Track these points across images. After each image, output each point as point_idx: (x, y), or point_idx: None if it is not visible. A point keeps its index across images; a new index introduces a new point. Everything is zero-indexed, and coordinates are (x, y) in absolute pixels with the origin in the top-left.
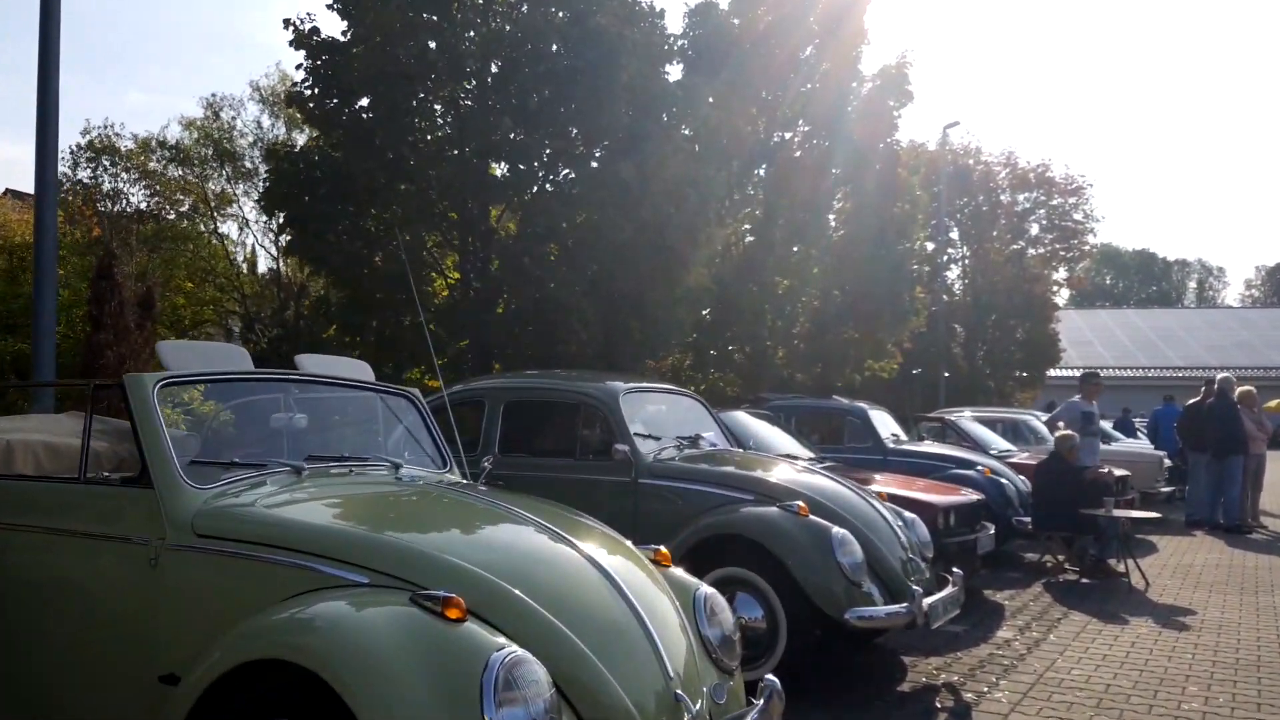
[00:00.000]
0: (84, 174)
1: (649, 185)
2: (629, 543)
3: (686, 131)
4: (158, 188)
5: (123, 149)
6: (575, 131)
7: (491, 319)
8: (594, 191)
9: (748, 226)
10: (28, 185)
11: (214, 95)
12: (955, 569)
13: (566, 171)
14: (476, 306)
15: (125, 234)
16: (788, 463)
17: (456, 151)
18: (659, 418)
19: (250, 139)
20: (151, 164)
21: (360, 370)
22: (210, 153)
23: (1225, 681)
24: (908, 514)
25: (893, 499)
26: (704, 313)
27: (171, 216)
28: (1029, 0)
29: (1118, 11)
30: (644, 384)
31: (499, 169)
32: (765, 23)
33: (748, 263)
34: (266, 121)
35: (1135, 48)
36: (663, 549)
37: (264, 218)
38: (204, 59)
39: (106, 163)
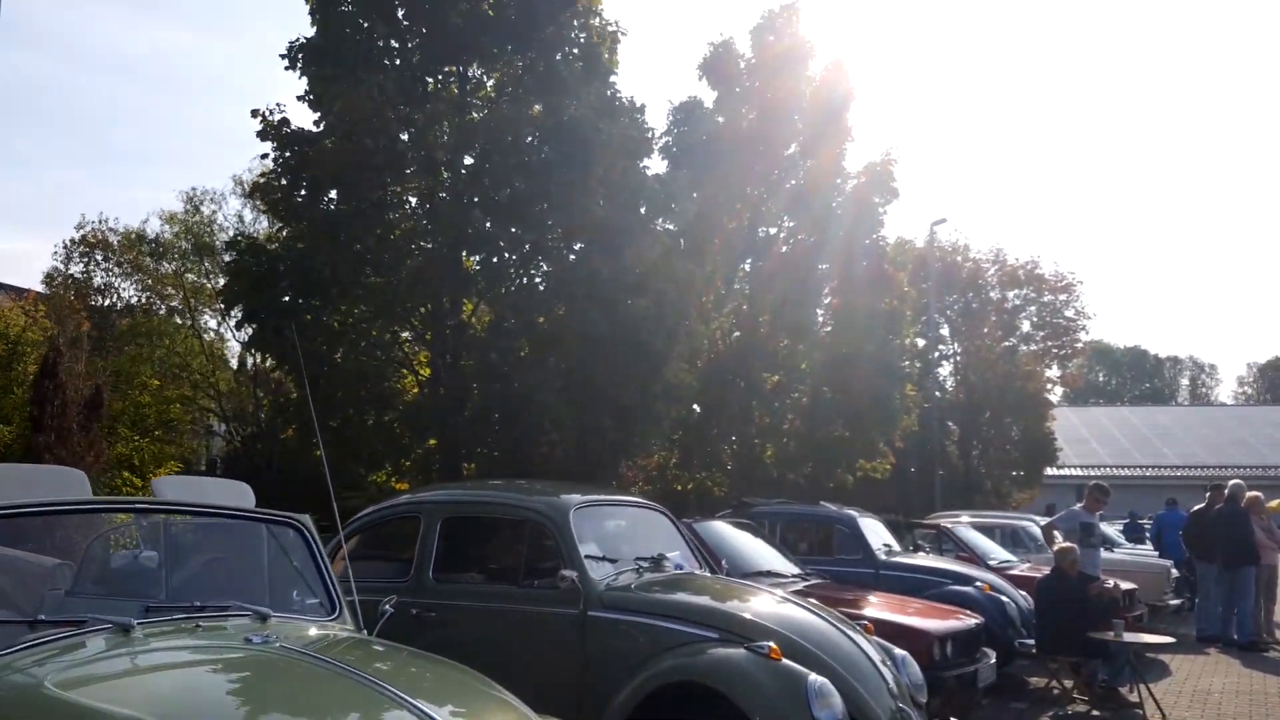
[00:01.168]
0: (76, 269)
1: (625, 280)
2: None
3: (670, 226)
4: (149, 282)
5: (114, 243)
6: (551, 223)
7: (460, 419)
8: (569, 286)
9: (734, 320)
10: (16, 278)
11: (193, 189)
12: (953, 718)
13: (543, 265)
14: (444, 405)
15: (106, 327)
16: (764, 590)
17: (429, 244)
18: (617, 535)
19: (231, 233)
20: (145, 259)
21: (236, 493)
22: (189, 246)
23: None
24: (898, 651)
25: (882, 626)
26: (693, 408)
27: (162, 311)
28: (1015, 98)
29: (1105, 109)
30: (602, 496)
31: (472, 261)
32: (749, 120)
33: (735, 358)
34: (249, 215)
35: (1123, 144)
36: None
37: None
38: (203, 153)
39: (99, 257)
